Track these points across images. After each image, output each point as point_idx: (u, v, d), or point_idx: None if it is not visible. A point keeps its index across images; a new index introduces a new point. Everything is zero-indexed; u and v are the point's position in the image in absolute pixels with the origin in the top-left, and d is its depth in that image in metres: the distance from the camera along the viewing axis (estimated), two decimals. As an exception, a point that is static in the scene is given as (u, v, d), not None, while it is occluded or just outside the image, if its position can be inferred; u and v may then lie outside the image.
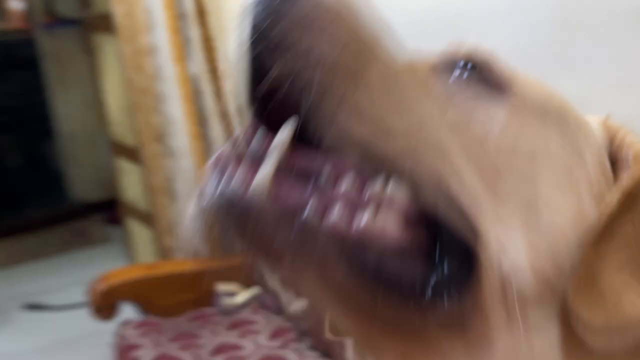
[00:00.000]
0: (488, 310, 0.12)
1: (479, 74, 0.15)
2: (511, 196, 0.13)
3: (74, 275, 1.76)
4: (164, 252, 1.10)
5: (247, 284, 1.06)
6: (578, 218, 0.13)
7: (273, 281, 0.97)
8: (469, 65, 0.15)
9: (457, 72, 0.15)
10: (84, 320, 1.11)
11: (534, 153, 0.14)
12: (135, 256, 1.49)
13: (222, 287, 1.04)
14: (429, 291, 0.11)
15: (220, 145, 1.02)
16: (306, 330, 0.89)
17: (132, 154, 1.25)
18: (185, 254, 1.03)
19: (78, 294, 1.30)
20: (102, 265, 1.62)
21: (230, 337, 0.97)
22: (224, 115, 1.06)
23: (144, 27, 0.96)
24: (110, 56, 1.29)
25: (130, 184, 1.39)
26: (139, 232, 1.41)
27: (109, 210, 2.24)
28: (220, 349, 0.93)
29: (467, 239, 0.12)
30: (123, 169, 1.41)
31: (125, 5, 0.94)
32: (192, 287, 1.05)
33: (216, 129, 1.02)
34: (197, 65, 1.04)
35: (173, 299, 1.03)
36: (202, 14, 1.02)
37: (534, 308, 0.12)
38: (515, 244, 0.12)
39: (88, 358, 1.36)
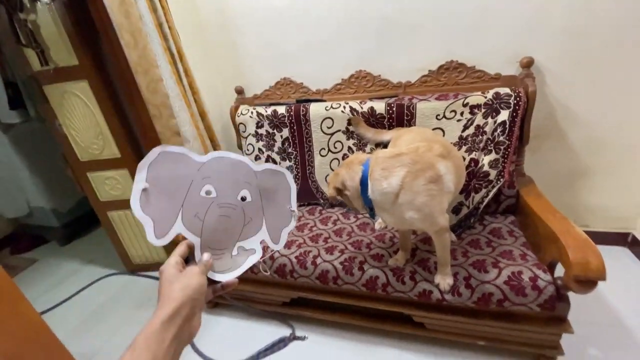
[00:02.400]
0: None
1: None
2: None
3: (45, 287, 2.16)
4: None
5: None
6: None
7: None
8: None
9: None
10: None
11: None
12: (122, 237, 1.98)
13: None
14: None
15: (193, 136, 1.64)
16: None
17: (114, 163, 1.75)
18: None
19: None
20: (59, 274, 2.24)
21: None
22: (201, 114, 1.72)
23: (153, 64, 1.48)
24: (71, 98, 1.65)
25: (112, 186, 1.83)
26: (123, 216, 1.92)
27: (13, 243, 2.61)
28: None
29: None
30: (99, 179, 1.84)
31: (137, 50, 1.40)
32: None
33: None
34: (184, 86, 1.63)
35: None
36: (180, 55, 1.61)
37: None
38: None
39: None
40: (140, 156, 1.73)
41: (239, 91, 1.97)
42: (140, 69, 1.40)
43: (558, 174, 1.68)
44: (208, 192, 0.56)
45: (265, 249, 0.64)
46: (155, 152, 0.52)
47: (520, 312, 1.14)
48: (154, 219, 0.51)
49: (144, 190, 0.51)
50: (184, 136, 1.56)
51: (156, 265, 2.05)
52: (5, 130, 2.29)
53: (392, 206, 1.03)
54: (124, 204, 1.89)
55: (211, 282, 0.55)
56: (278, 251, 1.43)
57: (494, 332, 1.21)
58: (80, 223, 2.68)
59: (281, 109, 1.77)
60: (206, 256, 0.54)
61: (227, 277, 0.56)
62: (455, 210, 1.45)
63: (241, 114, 1.86)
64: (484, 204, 1.44)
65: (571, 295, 1.07)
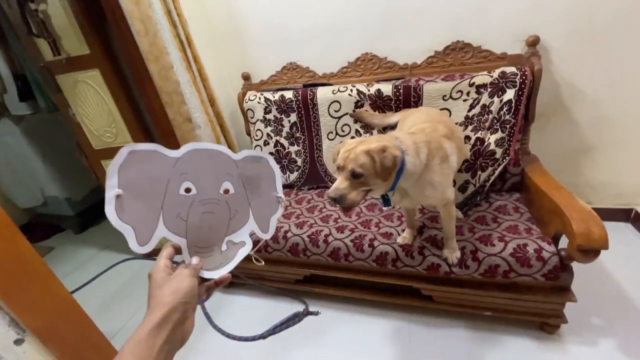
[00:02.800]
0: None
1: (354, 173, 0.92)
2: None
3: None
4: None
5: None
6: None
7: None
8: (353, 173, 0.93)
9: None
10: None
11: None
12: None
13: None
14: None
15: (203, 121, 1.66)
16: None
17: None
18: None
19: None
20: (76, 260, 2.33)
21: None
22: (210, 101, 1.73)
23: (164, 51, 1.50)
24: (83, 87, 1.67)
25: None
26: None
27: (29, 232, 2.72)
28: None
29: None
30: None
31: (148, 37, 1.42)
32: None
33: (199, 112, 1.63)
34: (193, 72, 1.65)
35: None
36: (189, 42, 1.63)
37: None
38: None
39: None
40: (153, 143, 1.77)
41: (246, 77, 1.99)
42: (152, 57, 1.43)
43: (563, 152, 1.71)
44: (188, 190, 0.52)
45: (255, 241, 0.62)
46: (123, 153, 0.47)
47: (525, 283, 1.19)
48: (133, 226, 0.48)
49: (118, 196, 0.47)
50: (195, 122, 1.60)
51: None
52: (16, 122, 2.34)
53: (414, 184, 1.05)
54: (138, 191, 1.95)
55: (204, 279, 0.53)
56: (291, 231, 1.48)
57: (500, 303, 1.27)
58: (94, 211, 2.76)
59: (288, 94, 1.80)
60: (195, 260, 0.51)
61: (219, 273, 0.54)
62: (462, 188, 1.49)
63: (249, 99, 1.89)
64: (490, 182, 1.48)
65: (576, 269, 1.12)
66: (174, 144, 1.68)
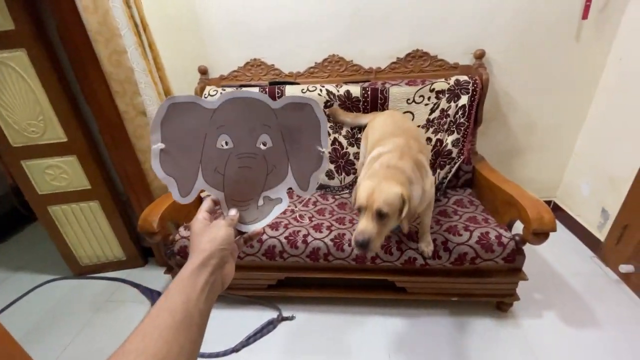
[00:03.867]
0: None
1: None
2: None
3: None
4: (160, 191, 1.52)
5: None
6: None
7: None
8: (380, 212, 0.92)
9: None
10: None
11: None
12: (67, 235, 1.75)
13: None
14: None
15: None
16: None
17: (58, 149, 1.52)
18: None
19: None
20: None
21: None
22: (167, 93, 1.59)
23: (116, 33, 1.31)
24: (2, 71, 1.36)
25: (54, 176, 1.60)
26: (68, 210, 1.70)
27: None
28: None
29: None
30: (37, 168, 1.57)
31: (97, 15, 1.21)
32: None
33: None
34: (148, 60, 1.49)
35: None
36: (144, 25, 1.47)
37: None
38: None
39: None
40: (92, 139, 1.53)
41: (203, 71, 1.86)
42: (101, 38, 1.24)
43: (499, 153, 1.96)
44: (225, 143, 0.53)
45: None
46: (164, 107, 0.48)
47: (487, 267, 1.33)
48: (176, 178, 0.51)
49: (162, 150, 0.49)
50: (150, 116, 1.43)
51: (111, 265, 1.84)
52: None
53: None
54: (70, 197, 1.66)
55: (240, 232, 0.56)
56: (266, 233, 1.41)
57: (465, 288, 1.39)
58: (0, 226, 2.25)
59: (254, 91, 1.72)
60: (233, 212, 0.54)
61: (254, 227, 0.56)
62: (427, 185, 1.59)
63: (209, 94, 1.77)
64: (448, 178, 1.62)
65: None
66: (120, 139, 1.48)
